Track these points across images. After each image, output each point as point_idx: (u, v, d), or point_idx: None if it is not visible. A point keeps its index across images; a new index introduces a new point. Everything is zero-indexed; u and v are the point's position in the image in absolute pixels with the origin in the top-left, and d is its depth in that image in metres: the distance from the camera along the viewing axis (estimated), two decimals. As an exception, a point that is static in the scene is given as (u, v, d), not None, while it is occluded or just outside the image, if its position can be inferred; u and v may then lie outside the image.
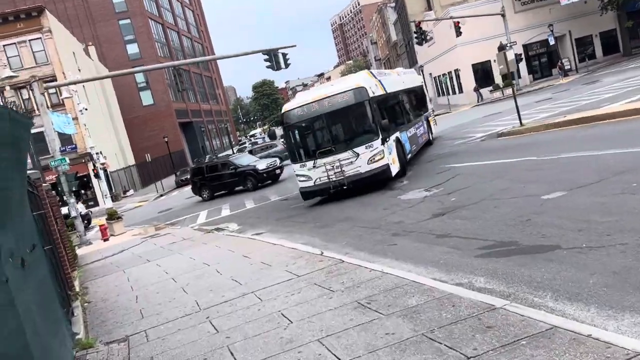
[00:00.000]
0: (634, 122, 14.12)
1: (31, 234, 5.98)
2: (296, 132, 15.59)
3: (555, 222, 7.28)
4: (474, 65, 46.14)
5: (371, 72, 17.33)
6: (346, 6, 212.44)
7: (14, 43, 40.24)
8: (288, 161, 25.74)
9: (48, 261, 6.85)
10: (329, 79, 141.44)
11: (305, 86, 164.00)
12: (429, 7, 59.42)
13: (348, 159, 14.47)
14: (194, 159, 61.75)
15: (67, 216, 21.67)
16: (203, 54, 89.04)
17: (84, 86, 44.42)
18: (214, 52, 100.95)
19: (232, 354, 5.26)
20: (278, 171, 25.36)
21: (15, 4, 53.80)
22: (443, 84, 54.06)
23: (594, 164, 10.34)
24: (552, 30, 41.62)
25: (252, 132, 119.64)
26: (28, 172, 9.41)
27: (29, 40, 40.54)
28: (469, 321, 4.51)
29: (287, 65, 26.53)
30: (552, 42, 42.27)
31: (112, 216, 22.31)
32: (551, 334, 3.95)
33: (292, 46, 27.59)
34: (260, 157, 30.02)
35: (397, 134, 16.31)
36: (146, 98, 66.91)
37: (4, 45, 39.69)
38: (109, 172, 43.84)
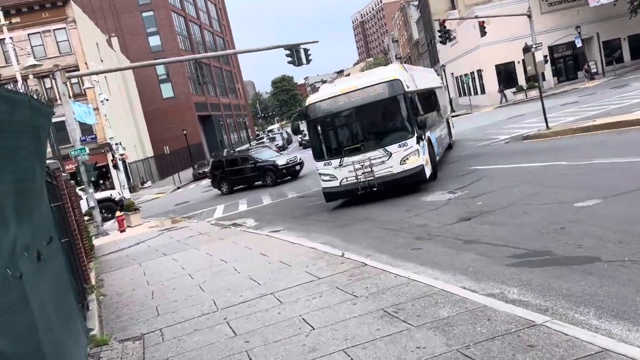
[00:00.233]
0: (668, 128, 13.60)
1: (48, 226, 5.81)
2: (321, 126, 14.35)
3: (592, 231, 6.91)
4: (497, 66, 45.36)
5: (403, 65, 16.52)
6: (368, 3, 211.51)
7: (39, 32, 40.58)
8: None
9: (64, 254, 6.68)
10: (348, 75, 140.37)
11: (324, 82, 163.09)
12: (453, 6, 58.61)
13: (379, 157, 13.30)
14: (211, 153, 61.86)
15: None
16: (224, 48, 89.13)
17: (105, 77, 44.74)
18: (235, 47, 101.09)
19: None
20: (298, 167, 25.09)
21: (41, -7, 54.28)
22: (465, 84, 53.34)
23: (630, 171, 9.90)
24: (579, 32, 40.68)
25: (270, 128, 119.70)
26: (47, 161, 9.30)
27: (54, 30, 40.85)
28: (508, 338, 4.20)
29: (308, 61, 26.28)
30: (579, 44, 41.31)
31: (130, 207, 22.31)
32: (602, 358, 3.64)
33: (314, 42, 27.31)
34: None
35: (428, 133, 15.36)
36: (166, 90, 67.23)
37: (28, 34, 40.04)
38: (127, 163, 44.14)
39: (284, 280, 7.76)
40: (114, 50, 54.55)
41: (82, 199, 21.10)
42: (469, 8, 48.60)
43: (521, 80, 43.87)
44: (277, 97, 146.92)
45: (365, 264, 7.56)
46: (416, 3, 79.74)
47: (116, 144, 39.91)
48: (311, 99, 14.50)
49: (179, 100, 66.38)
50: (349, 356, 4.56)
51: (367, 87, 13.57)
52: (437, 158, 16.77)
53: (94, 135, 40.68)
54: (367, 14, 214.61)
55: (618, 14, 41.47)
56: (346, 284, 6.76)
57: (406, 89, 13.54)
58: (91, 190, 20.88)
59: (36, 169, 4.94)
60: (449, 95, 51.58)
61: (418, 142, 13.32)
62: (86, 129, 38.64)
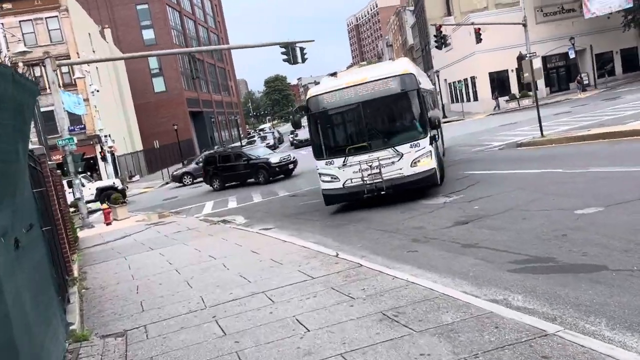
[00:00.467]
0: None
1: (29, 212, 5.47)
2: (324, 122, 12.99)
3: (596, 239, 6.70)
4: (490, 74, 45.44)
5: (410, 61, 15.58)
6: (364, 7, 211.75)
7: (30, 20, 39.84)
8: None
9: (46, 243, 6.33)
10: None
11: (317, 84, 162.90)
12: (449, 13, 58.68)
13: (389, 158, 12.09)
14: (202, 149, 61.26)
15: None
16: (218, 44, 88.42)
17: (97, 68, 44.06)
18: (229, 43, 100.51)
19: (241, 361, 4.72)
20: (291, 166, 24.76)
21: (34, -19, 53.43)
22: (458, 91, 53.34)
23: (628, 180, 9.76)
24: (573, 44, 40.86)
25: (261, 127, 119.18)
26: (32, 147, 8.92)
27: (46, 18, 40.15)
28: (519, 348, 3.94)
29: (304, 60, 26.00)
30: (572, 55, 41.51)
31: (117, 200, 21.85)
32: (622, 372, 3.40)
33: (310, 41, 27.05)
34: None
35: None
36: (158, 85, 66.50)
37: (20, 21, 39.30)
38: (116, 156, 43.50)
39: (275, 278, 7.47)
40: (107, 42, 53.82)
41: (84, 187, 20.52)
42: (465, 15, 48.64)
43: (514, 88, 44.01)
44: (269, 97, 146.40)
45: (361, 265, 7.29)
46: (412, 8, 79.91)
47: (105, 136, 39.29)
48: (314, 91, 13.12)
49: (170, 95, 65.71)
50: (347, 361, 4.28)
51: (379, 80, 12.29)
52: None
53: (82, 126, 39.98)
54: (362, 18, 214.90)
55: (612, 27, 41.73)
56: (342, 285, 6.48)
57: (419, 85, 12.50)
58: (77, 181, 20.41)
59: (19, 149, 4.62)
60: (442, 101, 51.58)
61: (431, 143, 12.29)
62: (75, 119, 38.01)
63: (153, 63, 65.55)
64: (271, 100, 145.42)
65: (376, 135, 12.58)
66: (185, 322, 6.25)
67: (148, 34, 66.09)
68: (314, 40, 27.73)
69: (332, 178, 12.67)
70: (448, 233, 8.76)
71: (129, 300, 7.94)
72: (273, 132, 68.23)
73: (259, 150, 26.94)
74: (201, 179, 32.26)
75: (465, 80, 50.13)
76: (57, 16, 40.26)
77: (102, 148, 38.06)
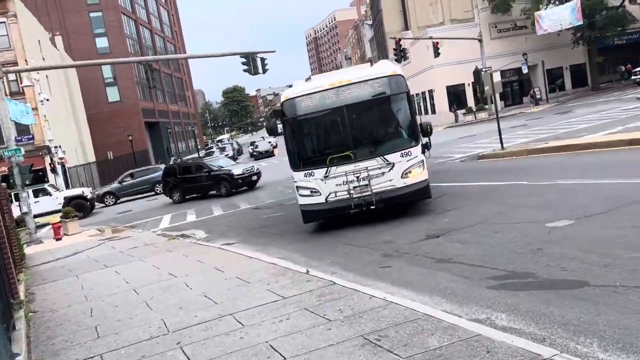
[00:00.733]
0: (620, 153, 13.90)
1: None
2: (301, 128, 11.74)
3: (572, 253, 6.62)
4: (447, 87, 46.43)
5: None
6: (322, 20, 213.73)
7: (-25, 24, 37.89)
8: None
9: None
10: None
11: (276, 95, 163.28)
12: (407, 27, 59.77)
13: (378, 168, 10.84)
14: (157, 160, 59.71)
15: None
16: (175, 53, 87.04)
17: (47, 76, 42.26)
18: (186, 53, 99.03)
19: (211, 395, 4.29)
20: (255, 177, 24.18)
21: (-21, -16, 50.97)
22: (416, 104, 54.17)
23: (594, 193, 9.86)
24: (526, 59, 42.27)
25: (219, 137, 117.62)
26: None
27: (-8, 23, 38.26)
28: (517, 375, 3.70)
29: (264, 71, 25.72)
30: (525, 70, 42.91)
31: (68, 214, 20.71)
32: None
33: (271, 51, 26.82)
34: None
35: None
36: (112, 94, 64.54)
37: (-37, 26, 37.30)
38: (67, 168, 41.71)
39: (243, 299, 7.03)
40: (57, 49, 51.86)
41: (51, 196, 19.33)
42: (422, 29, 49.59)
43: (470, 102, 45.07)
44: (227, 108, 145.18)
45: (334, 283, 6.96)
46: (370, 22, 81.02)
47: (55, 147, 37.60)
48: (289, 93, 11.63)
49: (125, 105, 63.85)
50: (330, 393, 3.93)
51: (365, 81, 11.03)
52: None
53: (31, 136, 38.09)
54: (321, 31, 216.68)
55: (562, 44, 43.46)
56: (316, 305, 6.12)
57: (408, 88, 11.33)
58: (25, 194, 19.26)
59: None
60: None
61: (423, 152, 11.23)
62: (23, 129, 36.10)
63: (107, 72, 63.66)
64: (229, 111, 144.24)
65: (362, 143, 11.27)
66: (146, 350, 5.73)
67: (102, 42, 64.18)
68: (275, 51, 27.53)
69: (311, 192, 11.23)
70: (420, 247, 8.55)
71: (82, 324, 7.31)
72: (232, 143, 67.33)
73: (220, 161, 26.21)
74: (125, 199, 31.85)
75: (424, 93, 51.00)
76: (4, 22, 38.45)
77: (52, 159, 36.40)
